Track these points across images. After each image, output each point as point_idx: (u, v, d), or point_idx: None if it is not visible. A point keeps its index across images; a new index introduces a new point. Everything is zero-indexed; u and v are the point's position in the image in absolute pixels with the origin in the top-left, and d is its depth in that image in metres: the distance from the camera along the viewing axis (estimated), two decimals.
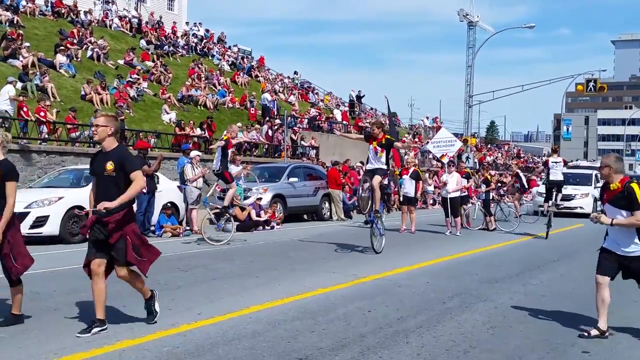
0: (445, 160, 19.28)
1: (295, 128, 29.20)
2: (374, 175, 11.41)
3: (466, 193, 17.08)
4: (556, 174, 15.28)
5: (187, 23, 41.33)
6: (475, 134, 55.52)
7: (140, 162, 14.29)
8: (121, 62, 28.31)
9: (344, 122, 35.45)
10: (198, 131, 23.94)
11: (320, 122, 32.94)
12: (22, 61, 22.05)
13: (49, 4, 30.36)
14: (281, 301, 7.22)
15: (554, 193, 15.33)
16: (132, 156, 6.05)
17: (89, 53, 27.02)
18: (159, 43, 33.25)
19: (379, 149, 11.44)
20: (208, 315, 6.44)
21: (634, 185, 5.82)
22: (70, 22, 29.81)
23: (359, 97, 42.08)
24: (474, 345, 5.62)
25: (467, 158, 34.99)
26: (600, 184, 8.00)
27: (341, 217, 19.94)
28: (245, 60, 40.32)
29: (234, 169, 17.00)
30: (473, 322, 6.47)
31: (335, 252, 11.75)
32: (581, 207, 21.76)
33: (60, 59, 24.18)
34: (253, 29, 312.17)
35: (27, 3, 28.69)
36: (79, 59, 25.88)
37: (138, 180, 5.84)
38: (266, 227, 16.35)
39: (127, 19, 34.43)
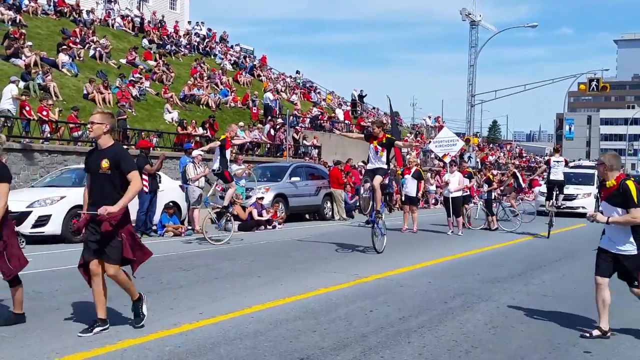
0: (447, 159, 19.26)
1: (297, 127, 29.19)
2: (374, 175, 11.38)
3: (468, 193, 17.07)
4: (557, 174, 15.26)
5: (189, 22, 41.33)
6: (478, 134, 55.45)
7: (141, 162, 14.37)
8: (123, 61, 28.32)
9: (346, 121, 35.44)
10: (200, 130, 23.97)
11: (322, 121, 32.94)
12: (24, 60, 22.08)
13: (52, 3, 30.40)
14: (283, 301, 7.22)
15: (555, 193, 15.31)
16: (129, 155, 6.00)
17: (92, 52, 27.05)
18: (161, 42, 33.27)
19: (379, 148, 11.41)
20: (210, 315, 6.44)
21: (629, 183, 5.79)
22: (73, 22, 29.84)
23: (361, 97, 42.05)
24: (476, 345, 5.61)
25: (469, 157, 34.94)
26: None
27: (343, 217, 19.93)
28: (247, 59, 40.34)
29: (235, 168, 17.05)
30: (475, 322, 6.46)
31: (337, 252, 11.75)
32: (583, 207, 21.71)
33: (63, 58, 24.21)
34: (255, 29, 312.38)
35: (29, 2, 28.73)
36: (81, 58, 25.90)
37: (136, 181, 5.81)
38: (268, 227, 16.35)
39: (130, 18, 34.46)
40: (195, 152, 15.49)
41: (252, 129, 26.22)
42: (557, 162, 15.38)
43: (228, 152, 12.80)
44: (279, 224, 17.01)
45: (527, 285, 8.55)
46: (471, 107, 43.64)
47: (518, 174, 20.47)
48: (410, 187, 16.42)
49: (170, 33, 36.11)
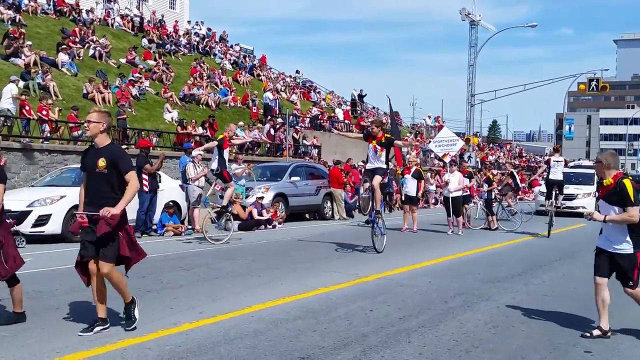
0: (447, 159, 19.27)
1: (297, 127, 29.19)
2: (374, 175, 11.36)
3: (468, 193, 17.07)
4: (556, 173, 15.31)
5: (189, 22, 41.31)
6: (477, 133, 55.41)
7: (141, 161, 14.37)
8: (123, 60, 28.31)
9: (346, 121, 35.45)
10: (200, 130, 23.96)
11: (322, 121, 32.94)
12: (24, 60, 22.06)
13: (51, 3, 30.37)
14: (283, 300, 7.22)
15: (555, 192, 15.34)
16: (126, 155, 5.96)
17: (91, 52, 27.04)
18: (161, 42, 33.25)
19: (378, 147, 11.38)
20: (210, 314, 6.44)
21: (626, 181, 5.78)
22: (72, 21, 29.82)
23: (360, 96, 42.04)
24: (476, 345, 5.61)
25: (469, 157, 34.93)
26: None
27: (343, 217, 19.93)
28: (247, 59, 40.32)
29: (235, 168, 17.06)
30: (475, 321, 6.46)
31: (337, 252, 11.75)
32: (583, 207, 21.71)
33: (63, 57, 24.20)
34: (255, 28, 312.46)
35: (29, 2, 28.70)
36: (81, 58, 25.89)
37: (134, 182, 5.77)
38: (268, 226, 16.35)
39: (129, 17, 34.44)
40: (194, 152, 15.50)
41: (252, 129, 26.21)
42: (557, 162, 15.42)
43: (226, 152, 12.79)
44: (279, 223, 17.01)
45: (527, 285, 8.55)
46: (471, 107, 43.64)
47: (516, 174, 20.47)
48: (410, 186, 16.42)
49: (170, 32, 36.09)
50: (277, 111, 30.40)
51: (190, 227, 14.99)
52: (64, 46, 24.96)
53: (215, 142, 12.90)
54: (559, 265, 10.72)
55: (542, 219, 16.76)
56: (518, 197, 34.13)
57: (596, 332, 5.94)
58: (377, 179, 11.29)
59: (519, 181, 19.96)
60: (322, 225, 18.03)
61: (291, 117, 27.98)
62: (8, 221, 11.79)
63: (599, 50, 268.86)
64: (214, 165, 12.70)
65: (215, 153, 12.73)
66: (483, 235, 15.38)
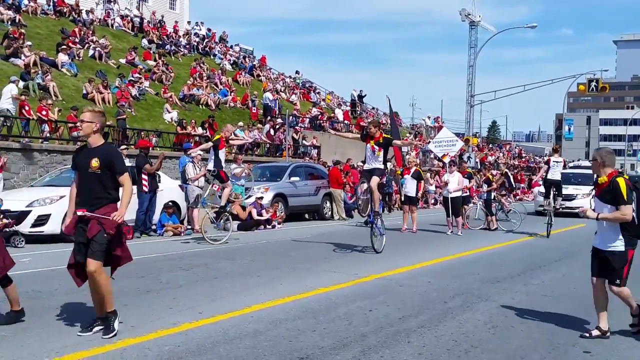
0: (446, 159, 19.27)
1: (296, 127, 29.20)
2: (371, 176, 11.31)
3: (467, 193, 17.07)
4: (555, 174, 15.38)
5: (188, 22, 41.33)
6: (477, 134, 55.43)
7: (141, 161, 14.37)
8: (123, 61, 28.32)
9: (346, 121, 35.45)
10: (200, 130, 23.96)
11: (321, 121, 32.95)
12: (24, 60, 22.07)
13: (51, 3, 30.38)
14: (282, 300, 7.22)
15: (553, 192, 15.40)
16: (121, 156, 5.91)
17: (91, 52, 27.04)
18: (160, 42, 33.26)
19: (376, 148, 11.35)
20: (209, 314, 6.44)
21: (620, 180, 5.76)
22: (72, 21, 29.83)
23: (360, 97, 42.05)
24: (476, 345, 5.61)
25: (469, 158, 34.96)
26: None
27: (342, 217, 19.93)
28: (246, 59, 40.34)
29: (234, 167, 17.07)
30: (474, 321, 6.46)
31: (337, 252, 11.75)
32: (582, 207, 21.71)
33: (62, 58, 24.20)
34: (255, 29, 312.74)
35: (29, 2, 28.71)
36: (80, 58, 25.90)
37: (128, 184, 5.74)
38: (267, 227, 16.35)
39: (129, 18, 34.45)
40: (193, 153, 15.46)
41: (251, 129, 26.22)
42: (557, 162, 15.50)
43: (222, 153, 12.79)
44: (279, 223, 17.02)
45: (526, 285, 8.55)
46: (470, 108, 43.65)
47: (510, 174, 20.47)
48: (410, 187, 16.43)
49: (170, 33, 36.10)
50: (277, 111, 30.42)
51: (189, 227, 14.99)
52: (64, 46, 24.96)
53: (211, 143, 12.93)
54: (558, 265, 10.72)
55: (541, 219, 16.76)
56: (517, 197, 34.20)
57: (595, 332, 5.94)
58: (375, 180, 11.26)
59: (512, 181, 19.93)
60: (321, 225, 18.03)
61: (291, 117, 27.99)
62: (6, 221, 11.87)
63: (598, 51, 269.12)
64: (210, 165, 12.73)
65: (211, 153, 12.76)
66: (482, 236, 15.38)
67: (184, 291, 7.71)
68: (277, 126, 27.88)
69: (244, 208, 16.25)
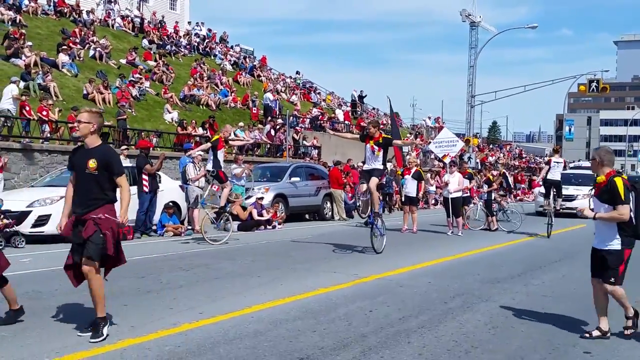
0: (447, 160, 19.27)
1: (297, 128, 29.20)
2: (370, 177, 11.26)
3: (468, 194, 17.07)
4: (555, 174, 15.43)
5: (189, 23, 41.34)
6: (477, 134, 55.44)
7: (141, 162, 14.37)
8: (123, 61, 28.33)
9: (346, 122, 35.45)
10: (200, 131, 23.96)
11: (322, 122, 32.94)
12: (24, 60, 22.08)
13: (52, 4, 30.40)
14: (283, 301, 7.22)
15: (553, 193, 15.45)
16: (118, 157, 5.89)
17: (92, 52, 27.05)
18: (161, 42, 33.27)
19: (376, 148, 11.30)
20: (209, 315, 6.44)
21: (617, 180, 5.75)
22: (73, 22, 29.84)
23: (361, 97, 42.06)
24: (476, 346, 5.61)
25: (469, 158, 34.96)
26: None
27: (343, 217, 19.93)
28: (247, 60, 40.34)
29: (233, 167, 17.06)
30: (475, 322, 6.46)
31: (337, 252, 11.74)
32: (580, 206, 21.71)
33: (63, 58, 24.21)
34: (255, 29, 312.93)
35: (29, 2, 28.73)
36: (81, 59, 25.91)
37: (126, 185, 5.75)
38: (268, 227, 16.35)
39: (130, 18, 34.47)
40: (194, 153, 15.46)
41: (252, 129, 26.23)
42: (557, 162, 15.57)
43: (221, 153, 12.80)
44: (279, 224, 17.01)
45: (527, 286, 8.55)
46: (471, 108, 43.65)
47: (508, 174, 20.47)
48: (410, 187, 16.43)
49: (170, 33, 36.11)
50: (277, 112, 30.42)
51: (190, 227, 14.99)
52: (65, 47, 24.97)
53: (209, 144, 12.94)
54: (558, 266, 10.72)
55: (542, 220, 16.76)
56: (518, 198, 34.19)
57: (596, 333, 5.94)
58: (374, 181, 11.21)
59: (510, 181, 19.92)
60: (321, 225, 18.03)
61: (291, 117, 27.99)
62: (6, 221, 11.87)
63: (599, 52, 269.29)
64: (209, 166, 12.75)
65: (210, 154, 12.77)
66: (483, 236, 15.38)
67: (184, 291, 7.71)
68: (278, 126, 27.89)
69: (244, 208, 16.25)
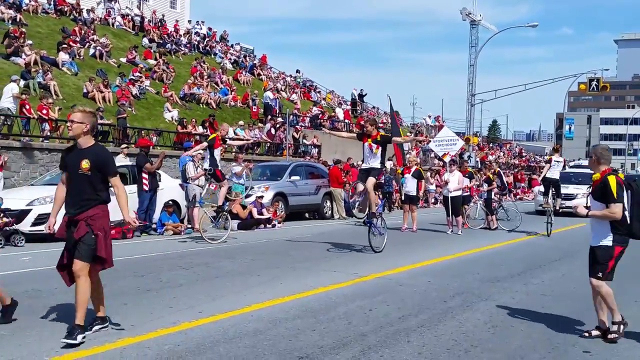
0: (447, 159, 19.26)
1: (297, 126, 29.19)
2: (368, 177, 11.21)
3: (468, 192, 17.06)
4: (553, 173, 15.48)
5: (189, 21, 41.31)
6: (477, 133, 55.41)
7: (142, 160, 14.37)
8: (123, 60, 28.31)
9: (346, 120, 35.43)
10: (200, 129, 23.96)
11: (322, 120, 32.93)
12: (24, 59, 22.07)
13: (52, 2, 30.38)
14: (282, 299, 7.22)
15: (551, 192, 15.49)
16: (111, 157, 5.84)
17: (92, 51, 27.04)
18: (161, 41, 33.26)
19: (374, 145, 11.22)
20: (209, 314, 6.44)
21: (611, 178, 5.73)
22: (73, 20, 29.83)
23: (361, 96, 42.03)
24: (476, 345, 5.61)
25: (469, 157, 34.95)
26: None
27: (342, 216, 19.92)
28: (247, 58, 40.32)
29: (233, 165, 17.05)
30: (474, 321, 6.46)
31: (336, 251, 11.74)
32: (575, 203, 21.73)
33: (63, 57, 24.21)
34: (255, 28, 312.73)
35: (29, 1, 28.72)
36: (81, 57, 25.90)
37: (121, 184, 5.73)
38: (267, 226, 16.35)
39: (130, 17, 34.45)
40: (192, 153, 15.41)
41: (252, 128, 26.23)
42: (557, 162, 15.65)
43: (217, 151, 12.79)
44: (279, 222, 17.01)
45: (526, 285, 8.55)
46: (471, 107, 43.62)
47: (502, 173, 20.42)
48: (410, 186, 16.42)
49: (171, 32, 36.10)
50: (278, 110, 30.41)
51: (189, 226, 14.98)
52: (65, 45, 24.96)
53: (206, 143, 12.94)
54: (558, 265, 10.72)
55: (541, 219, 16.76)
56: (518, 196, 34.16)
57: (595, 332, 5.94)
58: (371, 181, 11.13)
59: (504, 180, 19.84)
60: (321, 224, 18.03)
61: (291, 116, 27.98)
62: (6, 220, 11.87)
63: (599, 50, 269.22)
64: (206, 164, 12.75)
65: (207, 153, 12.77)
66: (482, 235, 15.38)
67: (184, 290, 7.71)
68: (278, 125, 27.88)
69: (244, 207, 16.25)
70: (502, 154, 51.59)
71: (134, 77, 25.97)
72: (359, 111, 40.48)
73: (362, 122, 34.27)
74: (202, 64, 32.06)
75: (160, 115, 24.81)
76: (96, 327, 5.70)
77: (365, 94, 42.81)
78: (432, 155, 33.15)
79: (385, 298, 7.42)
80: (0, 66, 21.26)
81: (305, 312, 6.66)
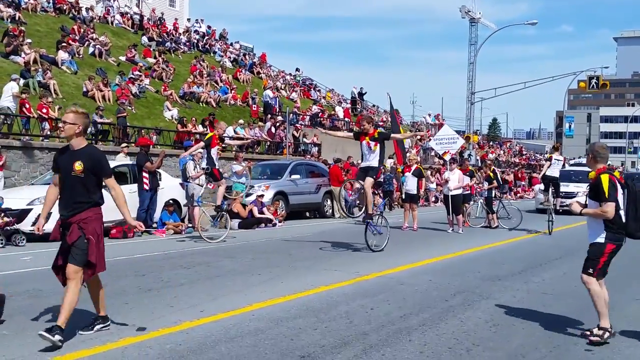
0: (447, 157, 19.25)
1: (297, 125, 29.18)
2: (366, 176, 11.13)
3: (468, 191, 17.06)
4: (553, 171, 15.50)
5: (188, 20, 41.30)
6: (478, 131, 55.44)
7: (142, 159, 14.36)
8: (123, 58, 28.30)
9: (346, 119, 35.42)
10: (200, 128, 23.95)
11: (322, 119, 32.91)
12: (24, 58, 22.05)
13: (51, 1, 30.35)
14: (283, 299, 7.22)
15: (551, 190, 15.51)
16: (105, 159, 5.76)
17: (91, 50, 27.03)
18: (160, 40, 33.24)
19: (372, 143, 11.14)
20: (210, 313, 6.44)
21: (603, 177, 5.71)
22: (72, 19, 29.81)
23: (360, 94, 42.02)
24: (477, 343, 5.61)
25: (469, 155, 34.96)
26: None
27: (343, 215, 19.90)
28: (247, 57, 40.30)
29: (236, 167, 17.04)
30: (476, 320, 6.45)
31: (337, 250, 11.74)
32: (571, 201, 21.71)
33: (62, 55, 24.18)
34: (255, 26, 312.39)
35: None
36: (80, 56, 25.88)
37: (116, 186, 5.69)
38: (268, 225, 16.35)
39: (129, 15, 34.43)
40: (193, 152, 15.38)
41: (252, 127, 26.22)
42: (558, 160, 15.70)
43: (214, 151, 12.78)
44: (279, 221, 17.00)
45: (527, 283, 8.55)
46: (471, 105, 43.63)
47: (497, 172, 20.41)
48: (411, 185, 16.42)
49: (170, 30, 36.07)
50: (277, 109, 30.40)
51: (190, 225, 14.98)
52: (64, 44, 24.94)
53: (202, 143, 12.93)
54: (559, 263, 10.71)
55: (542, 217, 16.76)
56: (518, 195, 34.15)
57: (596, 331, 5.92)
58: (369, 181, 11.05)
59: (499, 179, 19.80)
60: (322, 223, 18.03)
61: (291, 115, 27.96)
62: (7, 219, 11.86)
63: (599, 48, 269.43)
64: (204, 163, 12.76)
65: (204, 152, 12.77)
66: (483, 234, 15.38)
67: (185, 289, 7.71)
68: (278, 124, 27.87)
69: (244, 206, 16.24)
70: (502, 152, 51.58)
71: (133, 76, 25.97)
72: (358, 109, 40.47)
73: (359, 120, 34.32)
74: (201, 62, 32.05)
75: (160, 114, 24.81)
76: (97, 327, 5.70)
77: (365, 92, 42.81)
78: (433, 153, 33.14)
79: (387, 297, 7.42)
80: (0, 65, 21.24)
81: (307, 311, 6.66)
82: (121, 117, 21.07)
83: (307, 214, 20.27)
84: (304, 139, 28.57)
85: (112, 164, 14.60)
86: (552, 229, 15.15)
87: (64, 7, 30.45)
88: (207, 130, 23.82)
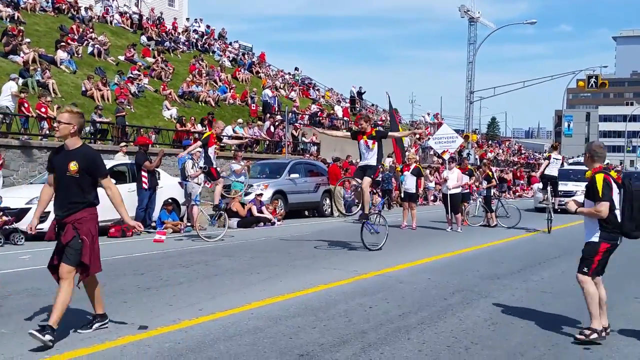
0: (446, 156, 19.26)
1: (296, 124, 29.18)
2: (364, 175, 11.13)
3: (467, 190, 17.07)
4: (552, 170, 15.51)
5: (187, 19, 41.29)
6: (476, 131, 55.44)
7: (141, 158, 14.35)
8: (122, 58, 28.29)
9: (345, 118, 35.43)
10: (199, 127, 23.94)
11: (321, 118, 32.92)
12: (22, 57, 22.04)
13: (50, 0, 30.33)
14: (282, 297, 7.22)
15: (550, 189, 15.53)
16: (100, 159, 5.74)
17: (90, 49, 27.02)
18: (159, 39, 33.23)
19: (370, 141, 11.14)
20: (209, 311, 6.44)
21: (598, 176, 5.71)
22: (71, 18, 29.80)
23: (360, 93, 42.03)
24: (476, 342, 5.61)
25: (468, 154, 34.96)
26: None
27: (342, 214, 19.90)
28: (246, 56, 40.29)
29: (235, 166, 17.05)
30: (474, 318, 6.46)
31: (336, 249, 11.75)
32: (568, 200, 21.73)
33: (61, 55, 24.17)
34: (254, 25, 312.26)
35: None
36: (79, 55, 25.86)
37: (113, 186, 5.68)
38: (267, 224, 16.35)
39: (128, 15, 34.42)
40: (192, 150, 15.37)
41: (251, 126, 26.21)
42: (556, 159, 15.69)
43: (212, 150, 12.78)
44: (278, 220, 17.01)
45: (526, 282, 8.56)
46: (470, 104, 43.64)
47: (493, 170, 20.41)
48: (410, 183, 16.42)
49: (169, 30, 36.06)
50: (276, 108, 30.39)
51: (189, 224, 14.97)
52: (63, 43, 24.92)
53: (200, 142, 12.94)
54: (558, 262, 10.72)
55: (541, 216, 16.78)
56: (517, 194, 34.16)
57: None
58: (367, 181, 11.06)
59: (496, 178, 19.81)
60: (321, 222, 18.03)
61: (290, 114, 27.96)
62: (5, 219, 11.86)
63: (598, 47, 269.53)
64: (201, 163, 12.76)
65: (202, 151, 12.78)
66: (482, 232, 15.39)
67: (184, 288, 7.71)
68: (277, 123, 27.87)
69: (243, 205, 16.25)
70: (501, 151, 51.60)
71: (132, 75, 25.96)
72: (358, 109, 40.48)
73: (357, 119, 34.33)
74: (200, 61, 32.03)
75: (159, 113, 24.80)
76: (96, 325, 5.70)
77: (364, 92, 42.82)
78: (432, 152, 33.15)
79: (385, 295, 7.42)
80: None
81: (305, 309, 6.66)
82: (120, 116, 21.06)
83: (306, 213, 20.28)
84: (303, 138, 28.57)
85: (111, 163, 14.61)
86: (551, 228, 15.16)
87: (63, 7, 30.44)
88: (205, 129, 23.84)
